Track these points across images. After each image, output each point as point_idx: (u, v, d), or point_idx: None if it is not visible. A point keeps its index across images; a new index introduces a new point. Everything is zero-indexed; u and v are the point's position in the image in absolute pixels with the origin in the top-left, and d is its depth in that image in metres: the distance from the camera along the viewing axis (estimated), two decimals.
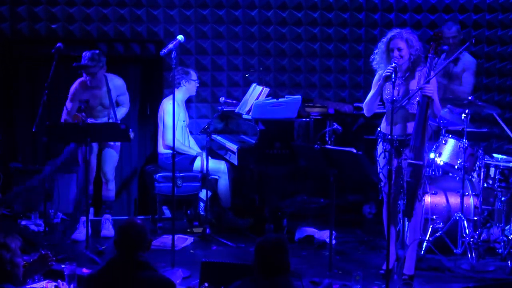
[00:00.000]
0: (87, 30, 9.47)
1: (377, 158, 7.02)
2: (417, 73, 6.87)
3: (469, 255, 7.39)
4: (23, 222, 8.60)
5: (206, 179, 8.42)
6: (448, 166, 7.80)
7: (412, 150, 6.65)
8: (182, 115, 8.70)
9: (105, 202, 8.59)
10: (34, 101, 8.79)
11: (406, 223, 7.09)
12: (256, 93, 8.63)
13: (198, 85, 8.90)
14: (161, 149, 8.76)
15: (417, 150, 6.63)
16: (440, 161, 7.76)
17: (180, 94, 8.70)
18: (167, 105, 8.61)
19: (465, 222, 7.56)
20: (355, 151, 6.69)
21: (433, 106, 6.72)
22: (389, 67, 6.63)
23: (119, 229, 4.88)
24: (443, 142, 7.77)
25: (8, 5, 9.28)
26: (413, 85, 6.82)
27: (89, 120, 7.97)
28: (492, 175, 7.56)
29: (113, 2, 9.51)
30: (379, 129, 7.13)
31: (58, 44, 8.01)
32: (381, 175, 6.87)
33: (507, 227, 7.63)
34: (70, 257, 7.07)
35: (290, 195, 8.69)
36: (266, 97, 8.47)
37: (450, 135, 7.77)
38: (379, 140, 7.04)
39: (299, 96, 8.48)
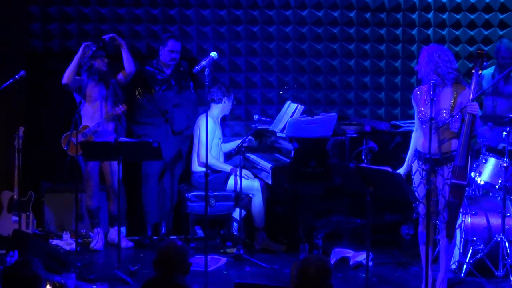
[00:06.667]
0: None
1: (412, 176, 6.87)
2: (447, 90, 6.67)
3: (511, 278, 7.25)
4: (55, 242, 8.58)
5: (240, 198, 8.30)
6: (488, 185, 7.66)
7: (456, 170, 6.48)
8: (218, 133, 8.65)
9: (113, 217, 8.55)
10: (66, 118, 8.70)
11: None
12: (291, 110, 8.54)
13: (234, 103, 8.88)
14: (195, 167, 8.66)
15: (462, 169, 6.47)
16: (480, 180, 7.62)
17: (217, 110, 8.65)
18: (203, 122, 8.50)
19: (507, 244, 7.41)
20: (391, 170, 6.53)
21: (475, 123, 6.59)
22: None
23: (159, 250, 4.83)
24: (483, 161, 7.63)
25: (40, 23, 9.26)
26: (444, 102, 6.64)
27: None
28: None
29: (146, 19, 9.47)
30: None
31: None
32: (416, 194, 6.71)
33: None
34: (102, 278, 7.02)
35: (325, 214, 8.56)
36: (300, 114, 8.40)
37: (491, 154, 7.61)
38: (414, 158, 6.87)
39: (334, 114, 8.41)
